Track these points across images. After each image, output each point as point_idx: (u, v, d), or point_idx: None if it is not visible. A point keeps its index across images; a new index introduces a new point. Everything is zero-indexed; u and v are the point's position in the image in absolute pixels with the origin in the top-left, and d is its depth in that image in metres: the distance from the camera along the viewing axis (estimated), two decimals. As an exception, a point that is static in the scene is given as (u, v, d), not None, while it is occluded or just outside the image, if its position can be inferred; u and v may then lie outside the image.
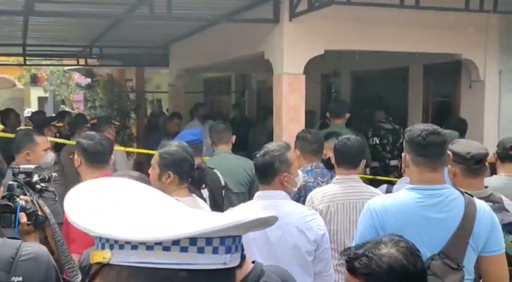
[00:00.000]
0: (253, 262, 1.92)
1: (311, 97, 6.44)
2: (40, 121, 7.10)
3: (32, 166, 2.04)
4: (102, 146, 2.97)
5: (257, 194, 2.61)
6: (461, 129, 4.84)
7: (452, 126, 4.60)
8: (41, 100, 22.37)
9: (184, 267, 0.71)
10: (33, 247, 1.67)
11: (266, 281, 1.14)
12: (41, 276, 1.61)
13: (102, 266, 0.75)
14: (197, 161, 3.35)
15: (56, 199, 2.07)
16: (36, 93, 22.61)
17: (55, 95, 20.15)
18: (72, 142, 5.30)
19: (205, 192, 3.26)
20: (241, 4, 5.22)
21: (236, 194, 3.91)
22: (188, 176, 2.69)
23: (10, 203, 1.87)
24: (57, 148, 4.98)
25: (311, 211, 2.69)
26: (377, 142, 5.56)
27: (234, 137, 4.13)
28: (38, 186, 2.00)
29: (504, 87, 5.44)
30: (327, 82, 8.10)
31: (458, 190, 2.17)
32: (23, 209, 1.88)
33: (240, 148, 5.61)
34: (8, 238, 1.67)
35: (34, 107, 19.64)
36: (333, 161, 3.21)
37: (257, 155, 2.60)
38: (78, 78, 15.37)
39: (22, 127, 7.96)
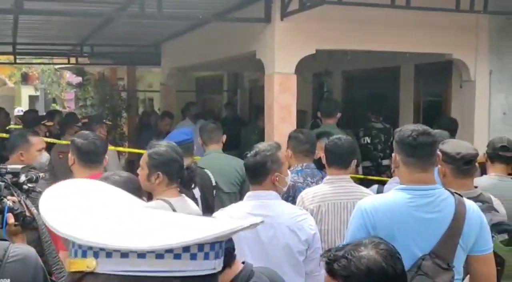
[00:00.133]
0: (243, 262, 1.92)
1: (303, 97, 6.45)
2: (31, 120, 7.05)
3: (19, 166, 2.02)
4: (96, 146, 2.95)
5: (248, 194, 2.61)
6: (452, 129, 4.86)
7: (443, 126, 4.62)
8: (32, 99, 22.24)
9: (177, 274, 0.71)
10: (21, 248, 1.66)
11: None
12: (29, 277, 1.60)
13: (84, 274, 0.72)
14: (188, 160, 3.34)
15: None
16: (27, 91, 22.48)
17: (46, 94, 20.04)
18: (61, 141, 5.27)
19: (196, 192, 3.25)
20: (233, 3, 5.21)
21: (227, 193, 3.90)
22: (178, 176, 2.67)
23: (-3, 204, 1.85)
24: (47, 147, 4.94)
25: (302, 211, 2.70)
26: (368, 141, 5.57)
27: (224, 137, 4.12)
28: (25, 186, 1.98)
29: (494, 87, 5.47)
30: (319, 81, 8.11)
31: (448, 190, 2.18)
32: (10, 210, 1.86)
33: (233, 147, 5.61)
34: (-5, 239, 1.65)
35: (25, 106, 19.51)
36: (324, 161, 3.21)
37: (248, 155, 2.59)
38: (69, 76, 15.28)
39: (12, 126, 7.90)
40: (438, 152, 2.26)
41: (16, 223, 1.87)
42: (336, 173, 3.10)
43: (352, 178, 3.26)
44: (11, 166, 2.03)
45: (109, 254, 0.70)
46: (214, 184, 3.65)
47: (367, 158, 5.52)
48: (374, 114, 5.75)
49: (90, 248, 0.71)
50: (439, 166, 2.55)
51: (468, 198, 2.26)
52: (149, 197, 2.69)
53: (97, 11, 5.44)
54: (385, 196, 2.24)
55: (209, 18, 5.62)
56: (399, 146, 2.17)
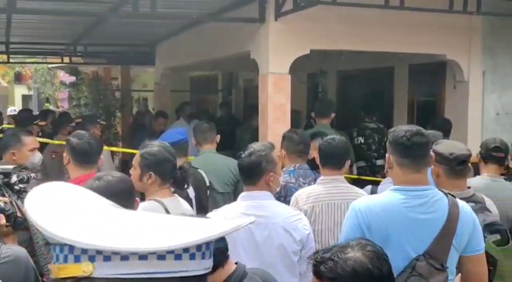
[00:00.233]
0: (236, 263, 1.92)
1: (297, 97, 6.45)
2: (24, 120, 7.01)
3: (11, 167, 2.00)
4: (90, 145, 2.95)
5: (242, 194, 2.60)
6: (446, 129, 4.87)
7: (437, 126, 4.64)
8: (25, 98, 22.14)
9: (178, 274, 0.70)
10: (12, 249, 1.65)
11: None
12: (20, 278, 1.59)
13: (78, 280, 0.70)
14: (182, 161, 3.33)
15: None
16: (20, 91, 22.39)
17: (40, 93, 19.93)
18: (54, 141, 5.24)
19: (191, 192, 3.24)
20: (227, 3, 5.20)
21: (221, 193, 3.90)
22: (170, 176, 2.66)
23: (-12, 205, 1.83)
24: (39, 147, 4.92)
25: (296, 211, 2.70)
26: (362, 141, 5.58)
27: (218, 137, 4.11)
28: (16, 187, 1.97)
29: (487, 88, 5.50)
30: (313, 81, 8.11)
31: (441, 191, 2.18)
32: (2, 211, 1.85)
33: (227, 147, 5.60)
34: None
35: (18, 105, 19.42)
36: (318, 161, 3.21)
37: (242, 155, 2.58)
38: (63, 76, 15.20)
39: (4, 125, 7.86)
40: (431, 152, 2.27)
41: (7, 223, 1.86)
42: (330, 173, 3.10)
43: (346, 178, 3.27)
44: (2, 166, 2.01)
45: (107, 257, 0.68)
46: (208, 184, 3.64)
47: (361, 158, 5.53)
48: (368, 114, 5.76)
49: (85, 252, 0.69)
50: (432, 166, 2.56)
51: (461, 198, 2.27)
52: (142, 197, 2.68)
53: (90, 10, 5.42)
54: (379, 197, 2.24)
55: (203, 18, 5.61)
56: (393, 147, 2.17)
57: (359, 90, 7.28)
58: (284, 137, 3.73)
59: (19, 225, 1.88)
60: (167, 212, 2.50)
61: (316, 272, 1.35)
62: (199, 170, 3.60)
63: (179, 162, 2.85)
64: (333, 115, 5.01)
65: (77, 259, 0.69)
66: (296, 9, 4.45)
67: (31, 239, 1.93)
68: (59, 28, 6.89)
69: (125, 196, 2.17)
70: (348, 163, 3.22)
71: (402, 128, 2.18)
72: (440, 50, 5.30)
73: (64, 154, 3.01)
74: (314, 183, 3.25)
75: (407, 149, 2.12)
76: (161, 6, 4.58)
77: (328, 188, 3.05)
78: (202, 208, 3.38)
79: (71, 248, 0.69)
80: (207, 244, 0.73)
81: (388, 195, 2.16)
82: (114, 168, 6.08)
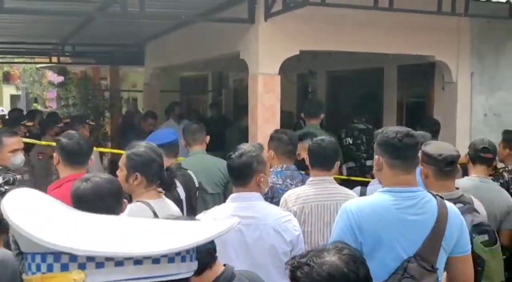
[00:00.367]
0: (224, 265, 1.91)
1: (287, 98, 6.46)
2: (12, 120, 6.94)
3: (-4, 169, 1.97)
4: (80, 146, 2.92)
5: (232, 196, 2.58)
6: (435, 130, 4.90)
7: (425, 127, 4.66)
8: (14, 98, 21.95)
9: (171, 277, 0.71)
10: (-2, 251, 1.63)
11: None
12: (8, 279, 1.57)
13: None
14: (171, 161, 3.31)
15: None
16: (8, 91, 22.20)
17: (28, 93, 19.75)
18: (41, 142, 5.18)
19: (182, 193, 3.22)
20: (216, 3, 5.18)
21: (211, 194, 3.88)
22: (157, 177, 2.62)
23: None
24: (26, 148, 4.87)
25: (286, 212, 2.70)
26: (351, 142, 5.58)
27: (208, 138, 4.10)
28: (2, 189, 1.94)
29: (475, 89, 5.54)
30: (303, 82, 8.13)
31: (430, 192, 2.19)
32: (-13, 213, 1.82)
33: (217, 148, 5.58)
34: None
35: (6, 105, 19.24)
36: (307, 162, 3.21)
37: (233, 156, 2.56)
38: (51, 76, 15.08)
39: (-9, 126, 7.76)
40: (419, 153, 2.27)
41: (-8, 226, 1.83)
42: (319, 174, 3.10)
43: (335, 178, 3.27)
44: (-13, 168, 1.98)
45: (100, 264, 0.66)
46: (197, 185, 3.62)
47: (350, 158, 5.54)
48: (357, 115, 5.78)
49: (74, 259, 0.66)
50: (421, 167, 2.56)
51: (450, 199, 2.28)
52: (131, 198, 2.66)
53: (78, 10, 5.37)
54: (370, 198, 2.23)
55: (192, 18, 5.58)
56: (383, 148, 2.16)
57: (348, 91, 7.30)
58: (272, 138, 3.71)
59: (5, 227, 1.86)
60: (154, 213, 2.47)
61: (293, 278, 1.33)
62: (188, 171, 3.58)
63: (169, 162, 2.82)
64: (322, 116, 5.02)
65: (64, 268, 0.66)
66: (286, 10, 4.45)
67: None
68: (47, 28, 6.83)
69: (113, 197, 2.15)
70: (337, 164, 3.22)
71: (391, 129, 2.18)
72: (429, 51, 5.34)
73: (54, 154, 2.99)
74: (301, 184, 3.25)
75: (398, 150, 2.11)
76: (149, 6, 4.55)
77: (317, 189, 3.05)
78: (192, 209, 3.36)
79: (57, 256, 0.66)
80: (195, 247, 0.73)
81: (378, 197, 2.16)
82: (102, 169, 6.03)
